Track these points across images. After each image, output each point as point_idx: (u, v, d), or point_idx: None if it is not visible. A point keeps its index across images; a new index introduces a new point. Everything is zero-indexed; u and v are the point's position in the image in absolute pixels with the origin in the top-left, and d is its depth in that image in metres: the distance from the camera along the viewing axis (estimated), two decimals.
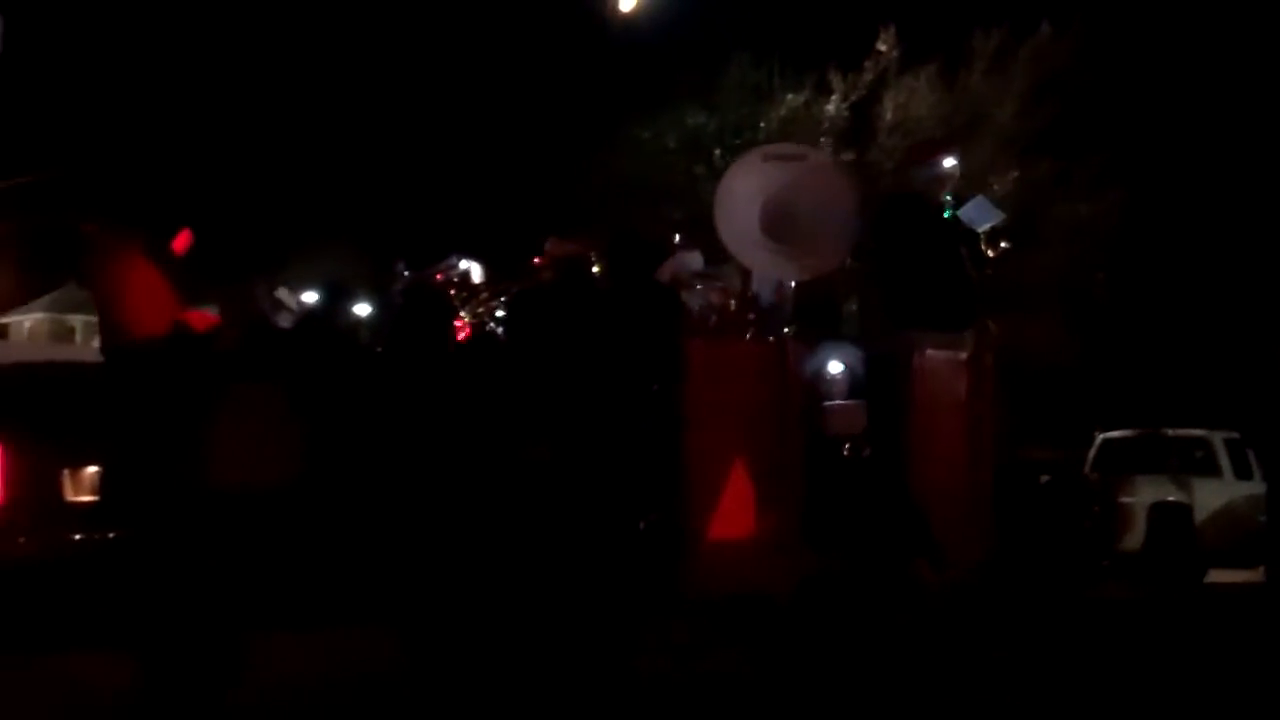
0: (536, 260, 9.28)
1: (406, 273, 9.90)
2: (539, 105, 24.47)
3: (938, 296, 8.27)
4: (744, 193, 8.58)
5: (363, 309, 9.40)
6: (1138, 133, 23.00)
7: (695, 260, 9.17)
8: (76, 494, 8.97)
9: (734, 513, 7.38)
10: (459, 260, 10.09)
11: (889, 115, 22.29)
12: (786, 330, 8.56)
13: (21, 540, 8.77)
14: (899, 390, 7.88)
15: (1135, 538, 16.83)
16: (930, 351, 8.07)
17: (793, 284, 8.62)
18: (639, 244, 8.38)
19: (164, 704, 7.00)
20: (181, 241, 8.31)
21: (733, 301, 8.92)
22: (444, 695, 7.06)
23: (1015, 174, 22.13)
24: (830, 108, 22.36)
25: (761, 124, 22.43)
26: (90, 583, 8.37)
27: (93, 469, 8.70)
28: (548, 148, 22.99)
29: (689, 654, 7.83)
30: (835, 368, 8.24)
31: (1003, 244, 9.24)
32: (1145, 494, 17.12)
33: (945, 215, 8.56)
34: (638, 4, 16.86)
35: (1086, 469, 18.54)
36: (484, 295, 9.83)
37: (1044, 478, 15.26)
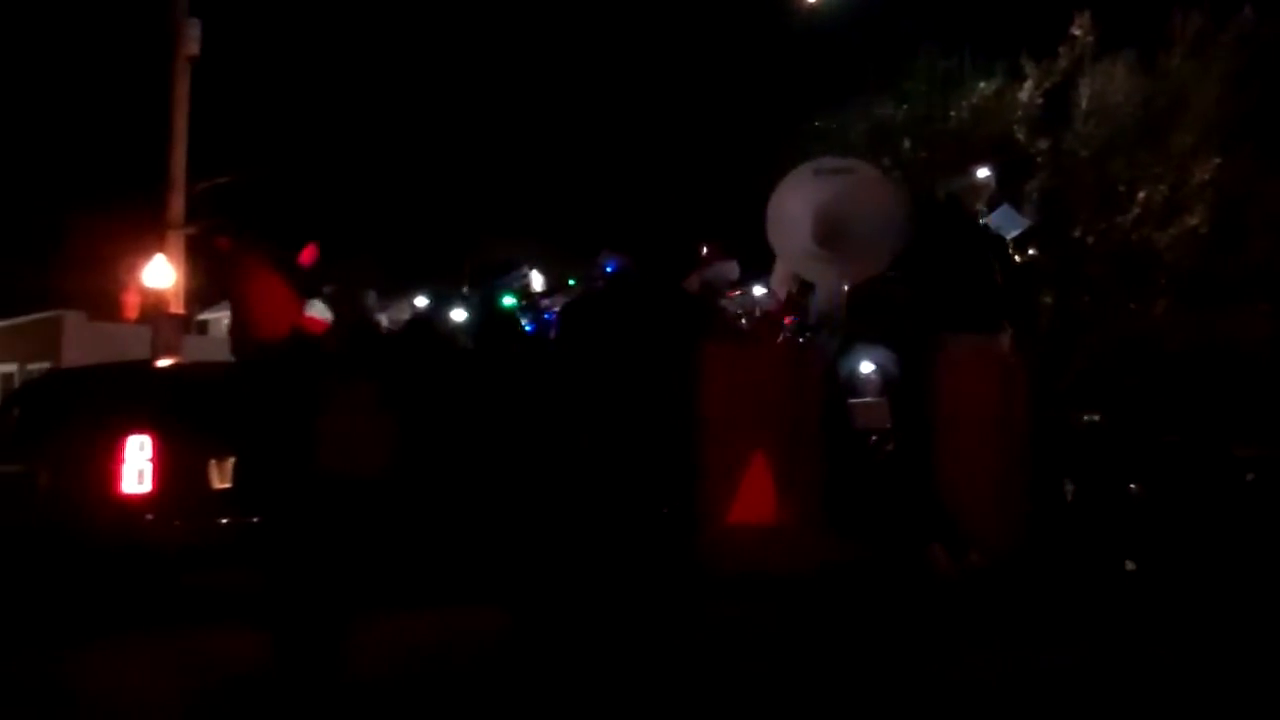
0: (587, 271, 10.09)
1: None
2: (725, 99, 24.45)
3: (968, 300, 8.68)
4: (797, 205, 9.11)
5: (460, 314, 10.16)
6: None
7: (731, 270, 9.68)
8: (221, 482, 9.98)
9: (756, 499, 7.98)
10: (528, 269, 10.95)
11: (1085, 102, 21.74)
12: (819, 332, 9.19)
13: (177, 524, 9.82)
14: (928, 388, 8.36)
15: None
16: (961, 350, 8.49)
17: (845, 288, 9.09)
18: (670, 257, 8.86)
19: (289, 676, 7.49)
20: (308, 255, 8.75)
21: (763, 309, 9.51)
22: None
23: (1217, 161, 21.36)
24: (1023, 95, 21.91)
25: (952, 113, 22.11)
26: (232, 563, 9.22)
27: (233, 460, 9.47)
28: (734, 141, 22.97)
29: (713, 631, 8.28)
30: (867, 367, 8.95)
31: (1030, 250, 10.15)
32: None
33: (979, 224, 8.97)
34: None
35: None
36: (543, 301, 10.66)
37: (1249, 475, 14.80)
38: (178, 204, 20.94)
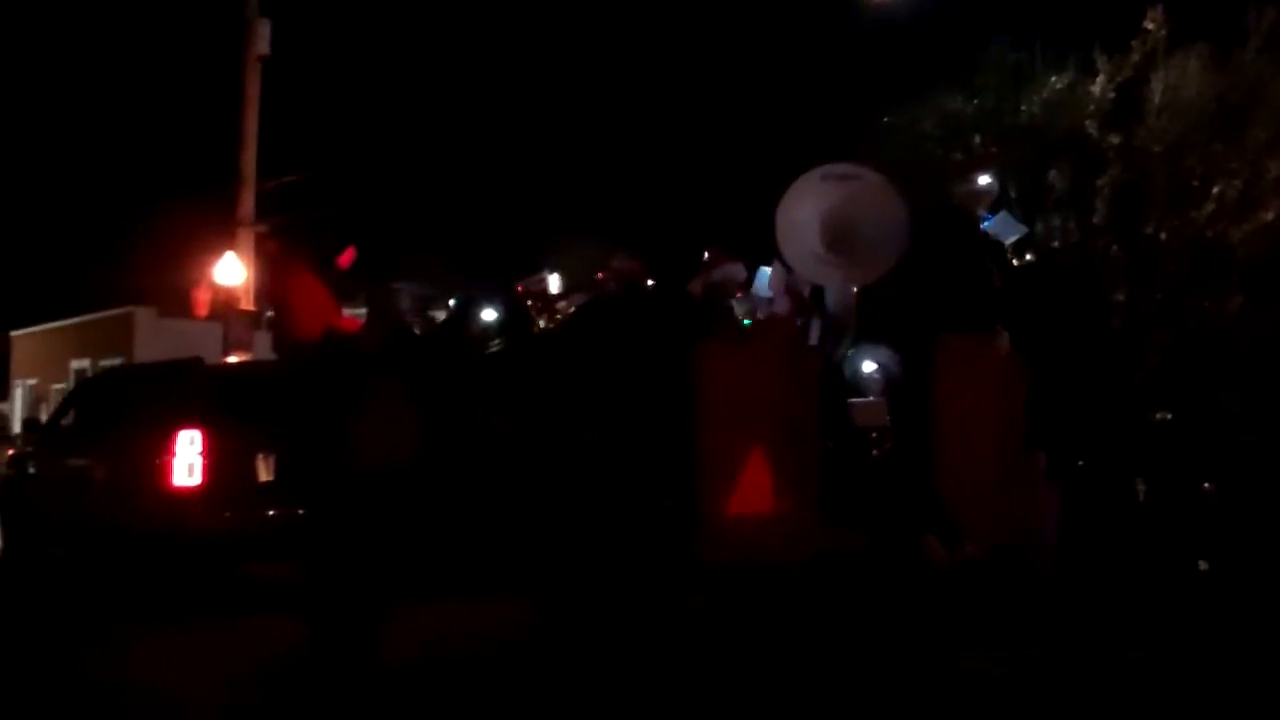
0: (600, 275, 10.41)
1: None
2: (795, 95, 24.37)
3: (966, 302, 8.87)
4: (806, 210, 9.21)
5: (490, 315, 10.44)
6: None
7: (739, 272, 10.05)
8: (268, 476, 10.53)
9: (754, 492, 8.29)
10: (548, 274, 11.54)
11: (1158, 97, 21.45)
12: (829, 333, 9.41)
13: (226, 515, 10.34)
14: (927, 386, 8.63)
15: None
16: (959, 350, 8.73)
17: (855, 290, 9.35)
18: (674, 262, 9.58)
19: (325, 663, 7.93)
20: (346, 258, 9.24)
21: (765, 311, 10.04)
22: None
23: None
24: (1095, 89, 21.68)
25: (1023, 107, 21.91)
26: (280, 554, 9.74)
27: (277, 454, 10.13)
28: (805, 137, 22.87)
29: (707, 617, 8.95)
30: (869, 366, 9.58)
31: (1028, 256, 10.47)
32: None
33: (978, 229, 9.22)
34: None
35: None
36: (559, 304, 11.25)
37: None
38: (248, 201, 21.10)
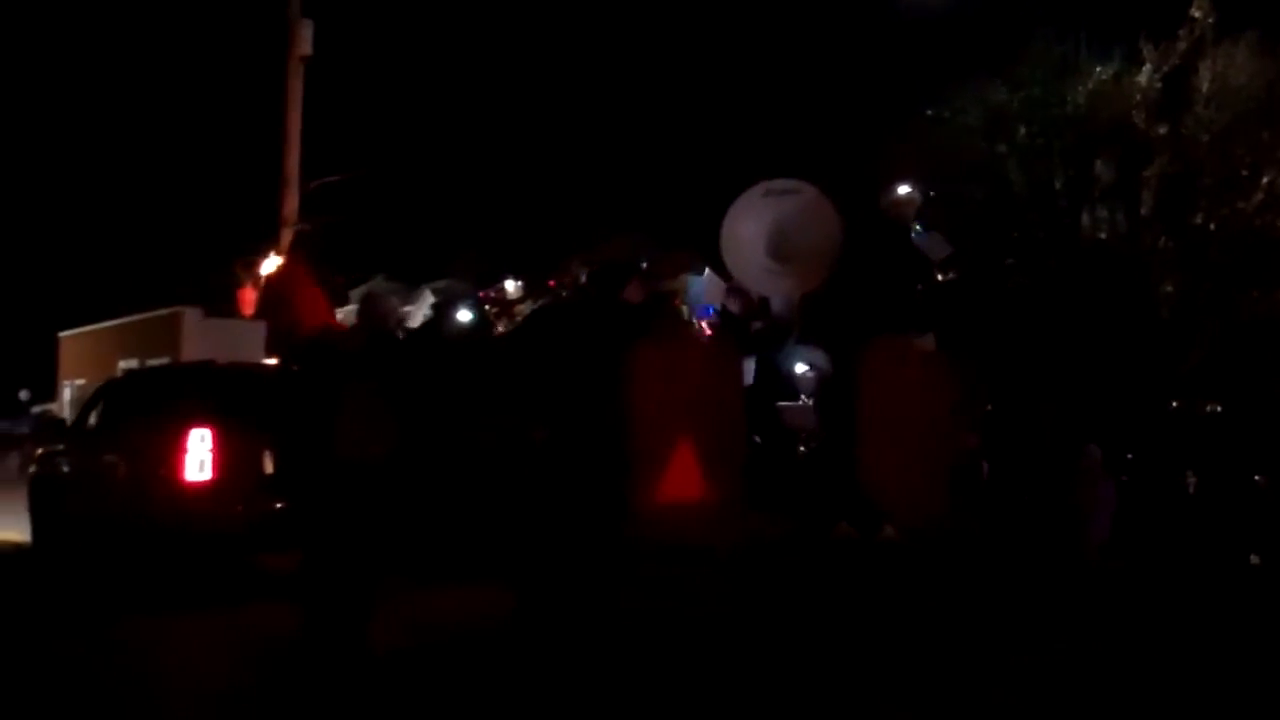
0: (551, 282, 11.73)
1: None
2: (838, 87, 24.28)
3: (892, 305, 9.67)
4: (750, 223, 10.10)
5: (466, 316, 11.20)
6: None
7: (682, 280, 11.21)
8: (274, 470, 11.15)
9: (683, 480, 8.96)
10: (506, 280, 12.85)
11: (1205, 86, 21.22)
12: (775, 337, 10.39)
13: (237, 509, 11.02)
14: (855, 382, 9.38)
15: None
16: (885, 349, 9.50)
17: (797, 297, 10.25)
18: (612, 270, 10.09)
19: (318, 648, 8.42)
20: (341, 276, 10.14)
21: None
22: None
23: None
24: (1142, 79, 21.47)
25: (1068, 98, 21.73)
26: (286, 544, 10.09)
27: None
28: (848, 130, 22.80)
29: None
30: (802, 367, 10.32)
31: (950, 274, 11.54)
32: None
33: (908, 238, 10.16)
34: None
35: None
36: (515, 308, 12.22)
37: None
38: (292, 201, 21.18)
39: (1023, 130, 21.82)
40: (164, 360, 23.10)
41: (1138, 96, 21.44)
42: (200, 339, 24.32)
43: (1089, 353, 18.93)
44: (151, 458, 11.24)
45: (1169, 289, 21.22)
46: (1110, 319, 20.25)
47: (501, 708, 7.59)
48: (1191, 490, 14.45)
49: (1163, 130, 21.19)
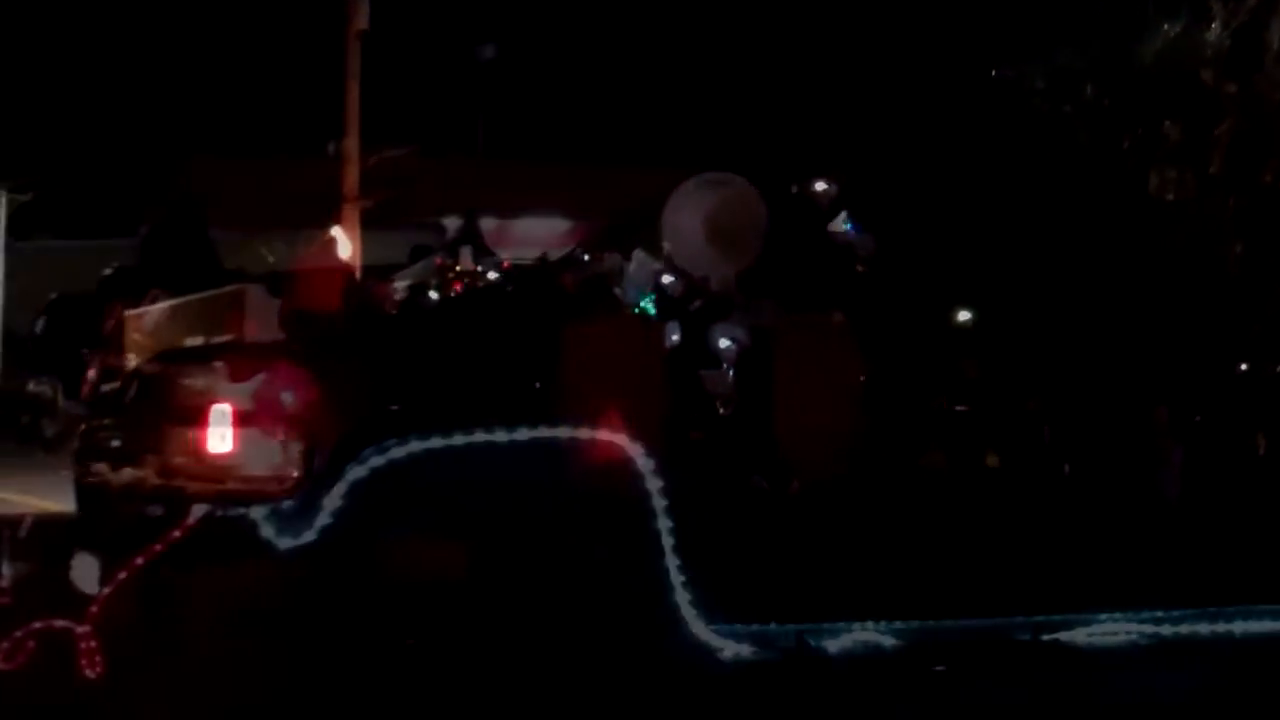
0: (506, 264, 13.59)
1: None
2: (900, 49, 24.08)
3: (808, 286, 11.40)
4: (689, 212, 12.00)
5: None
6: None
7: (616, 262, 12.80)
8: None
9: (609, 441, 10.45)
10: (462, 250, 14.29)
11: (1277, 42, 20.86)
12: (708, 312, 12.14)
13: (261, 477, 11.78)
14: (770, 353, 11.17)
15: None
16: (802, 325, 11.39)
17: (733, 276, 12.11)
18: (546, 258, 12.30)
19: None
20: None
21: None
22: None
23: None
24: (1210, 36, 21.11)
25: (1135, 57, 21.40)
26: None
27: None
28: (912, 92, 22.60)
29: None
30: (724, 342, 11.92)
31: (859, 267, 12.68)
32: None
33: (823, 227, 12.08)
34: None
35: None
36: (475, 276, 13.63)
37: None
38: (352, 177, 21.27)
39: (1089, 89, 21.53)
40: (228, 338, 23.33)
41: (1207, 53, 21.10)
42: (264, 316, 24.46)
43: (1157, 314, 18.71)
44: (178, 431, 11.97)
45: (1238, 249, 20.92)
46: (1178, 280, 20.00)
47: None
48: (1261, 452, 14.29)
49: (1232, 88, 20.84)
